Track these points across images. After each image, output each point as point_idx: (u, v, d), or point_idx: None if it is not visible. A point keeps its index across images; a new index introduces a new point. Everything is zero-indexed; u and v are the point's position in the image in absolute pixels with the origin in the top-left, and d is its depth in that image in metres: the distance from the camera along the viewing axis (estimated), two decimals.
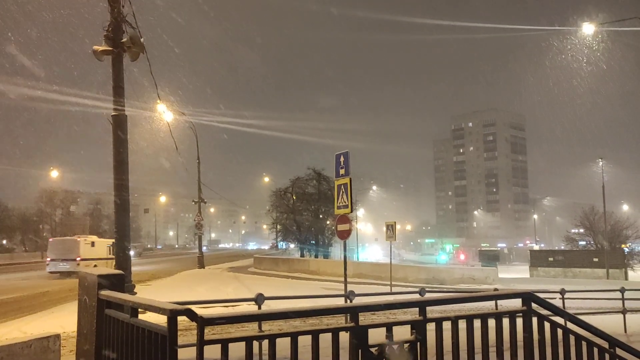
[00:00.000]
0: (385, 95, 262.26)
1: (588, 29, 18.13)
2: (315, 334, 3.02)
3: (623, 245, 45.99)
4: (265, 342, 2.96)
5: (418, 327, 3.43)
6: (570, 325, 4.38)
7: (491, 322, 3.78)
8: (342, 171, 10.44)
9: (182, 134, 29.16)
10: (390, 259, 21.63)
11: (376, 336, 3.31)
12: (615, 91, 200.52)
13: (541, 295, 4.27)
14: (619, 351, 4.68)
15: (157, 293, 15.93)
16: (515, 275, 40.04)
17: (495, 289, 10.31)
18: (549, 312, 4.23)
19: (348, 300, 7.44)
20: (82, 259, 25.79)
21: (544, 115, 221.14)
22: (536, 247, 75.02)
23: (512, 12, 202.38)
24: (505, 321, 3.85)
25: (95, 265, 24.64)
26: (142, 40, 11.25)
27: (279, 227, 46.51)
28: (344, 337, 3.17)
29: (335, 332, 3.14)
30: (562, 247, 56.49)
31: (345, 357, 3.15)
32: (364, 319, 3.28)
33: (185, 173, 29.64)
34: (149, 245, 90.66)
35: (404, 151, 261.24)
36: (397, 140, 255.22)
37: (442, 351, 3.49)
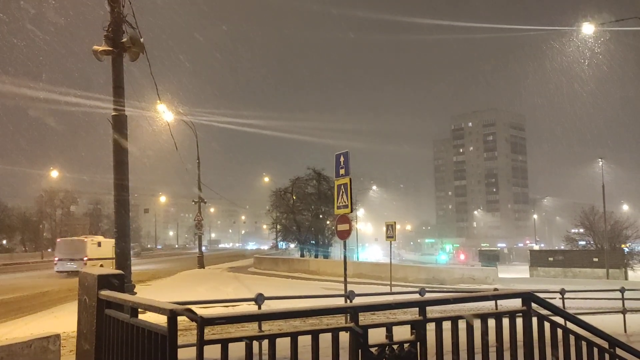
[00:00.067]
0: (385, 95, 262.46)
1: (588, 28, 18.13)
2: (315, 334, 3.02)
3: (623, 245, 46.01)
4: (265, 342, 2.96)
5: (418, 327, 3.43)
6: (570, 325, 4.38)
7: (491, 322, 3.78)
8: (342, 171, 10.44)
9: (182, 134, 29.18)
10: (390, 259, 21.63)
11: (376, 336, 3.31)
12: (615, 91, 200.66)
13: (541, 295, 4.27)
14: (619, 351, 4.68)
15: (157, 293, 15.94)
16: (515, 275, 40.06)
17: (495, 289, 10.31)
18: (549, 312, 4.23)
19: (348, 300, 7.44)
20: (89, 259, 26.26)
21: (544, 115, 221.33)
22: (536, 247, 75.07)
23: (512, 12, 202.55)
24: (505, 321, 3.85)
25: (101, 265, 24.86)
26: (142, 40, 11.25)
27: (279, 227, 46.55)
28: (344, 337, 3.17)
29: (335, 332, 3.14)
30: (562, 247, 56.51)
31: (345, 357, 3.15)
32: (364, 319, 3.28)
33: (185, 173, 29.65)
34: (149, 246, 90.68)
35: (404, 151, 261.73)
36: (397, 140, 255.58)
37: (442, 351, 3.49)
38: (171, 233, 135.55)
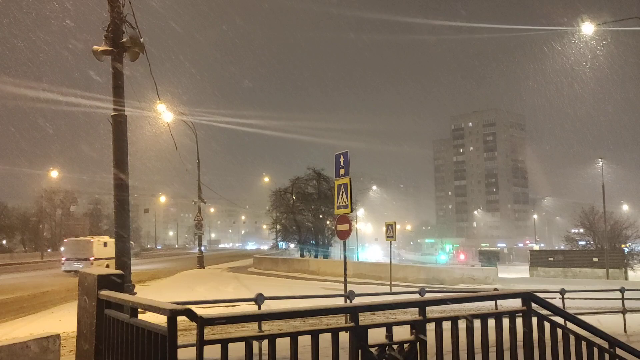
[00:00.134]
0: (385, 95, 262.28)
1: (588, 28, 18.14)
2: (315, 334, 3.02)
3: (623, 245, 46.02)
4: (265, 342, 2.97)
5: (418, 327, 3.42)
6: (570, 325, 4.38)
7: (491, 322, 3.78)
8: (342, 171, 10.44)
9: (182, 134, 29.20)
10: (390, 259, 21.64)
11: (376, 336, 3.31)
12: (616, 92, 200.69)
13: (541, 295, 4.27)
14: (618, 351, 4.68)
15: (157, 293, 15.93)
16: (515, 275, 40.07)
17: (495, 289, 10.32)
18: (548, 312, 4.23)
19: (348, 300, 7.44)
20: (95, 259, 26.60)
21: (544, 115, 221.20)
22: (536, 247, 75.02)
23: (512, 13, 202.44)
24: (505, 321, 3.85)
25: (107, 265, 25.14)
26: (141, 40, 11.24)
27: (279, 227, 46.54)
28: (344, 337, 3.17)
29: (335, 332, 3.14)
30: (562, 247, 56.52)
31: (345, 357, 3.15)
32: (364, 319, 3.28)
33: (185, 173, 29.68)
34: (148, 246, 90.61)
35: (404, 151, 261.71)
36: (397, 140, 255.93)
37: (442, 351, 3.49)
38: (171, 233, 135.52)
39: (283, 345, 2.95)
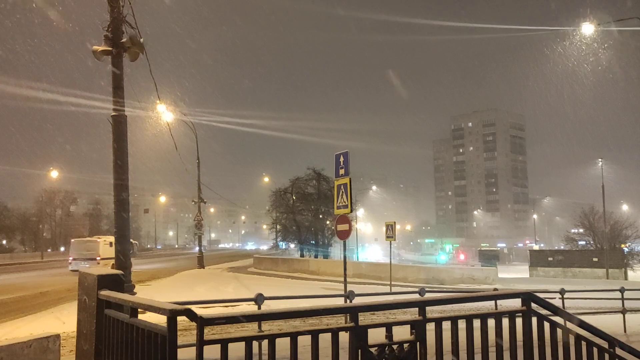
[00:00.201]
0: (385, 95, 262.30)
1: (587, 28, 18.14)
2: (315, 334, 3.02)
3: (623, 245, 46.02)
4: (265, 342, 2.97)
5: (418, 327, 3.43)
6: (569, 325, 4.38)
7: (491, 322, 3.78)
8: (341, 171, 10.44)
9: (182, 134, 29.20)
10: (390, 259, 21.64)
11: (376, 336, 3.31)
12: (616, 92, 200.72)
13: (541, 295, 4.27)
14: (618, 351, 4.68)
15: (156, 293, 15.92)
16: (515, 275, 40.07)
17: (495, 289, 10.32)
18: (548, 312, 4.23)
19: (348, 300, 7.44)
20: (101, 258, 26.82)
21: (544, 115, 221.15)
22: (536, 247, 74.98)
23: (512, 13, 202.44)
24: (505, 321, 3.85)
25: (113, 265, 25.45)
26: (141, 40, 11.25)
27: (278, 227, 46.55)
28: (344, 337, 3.17)
29: (335, 332, 3.14)
30: (562, 247, 56.51)
31: (345, 357, 3.15)
32: (364, 319, 3.28)
33: (185, 173, 29.70)
34: (148, 246, 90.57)
35: (404, 151, 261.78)
36: (397, 140, 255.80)
37: (442, 351, 3.49)
38: (171, 233, 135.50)
39: (283, 345, 2.95)
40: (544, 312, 4.14)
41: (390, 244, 20.12)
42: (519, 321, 3.90)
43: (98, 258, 27.03)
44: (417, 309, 3.54)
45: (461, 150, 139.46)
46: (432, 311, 4.20)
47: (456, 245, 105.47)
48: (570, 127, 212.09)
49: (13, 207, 61.65)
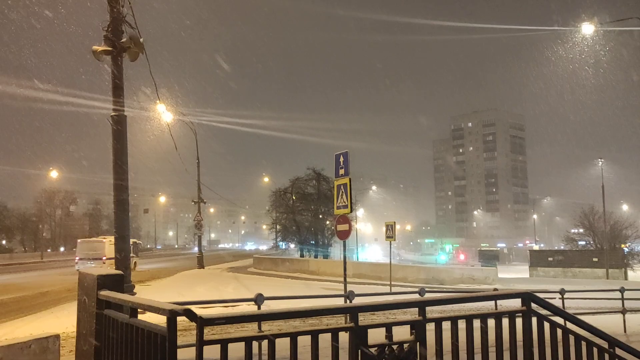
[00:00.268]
0: (385, 95, 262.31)
1: (587, 29, 18.14)
2: (314, 334, 3.02)
3: (623, 245, 46.02)
4: (265, 343, 2.96)
5: (417, 327, 3.42)
6: (569, 325, 4.38)
7: (491, 322, 3.78)
8: (341, 171, 10.44)
9: (181, 134, 29.21)
10: (390, 259, 21.64)
11: (376, 336, 3.31)
12: (615, 92, 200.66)
13: (541, 295, 4.27)
14: (618, 351, 4.68)
15: (156, 293, 15.93)
16: (515, 275, 40.07)
17: (495, 289, 10.31)
18: (548, 312, 4.23)
19: (348, 301, 7.44)
20: (107, 258, 27.10)
21: (544, 115, 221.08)
22: (536, 247, 75.03)
23: (512, 13, 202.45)
24: (505, 321, 3.85)
25: None
26: (141, 40, 11.24)
27: (278, 227, 46.55)
28: (344, 337, 3.17)
29: (334, 332, 3.14)
30: (562, 247, 56.51)
31: (345, 357, 3.15)
32: (364, 319, 3.28)
33: (184, 173, 29.70)
34: (148, 246, 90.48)
35: (404, 151, 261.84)
36: (397, 140, 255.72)
37: (442, 351, 3.49)
38: (171, 233, 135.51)
39: (283, 345, 2.94)
40: (543, 312, 4.14)
41: (390, 244, 20.12)
42: (518, 321, 3.90)
43: (104, 258, 27.36)
44: (417, 309, 3.53)
45: (461, 150, 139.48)
46: (432, 311, 4.19)
47: (456, 245, 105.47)
48: (570, 127, 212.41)
49: (13, 207, 61.73)
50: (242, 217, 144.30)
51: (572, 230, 54.57)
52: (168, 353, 2.70)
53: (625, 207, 76.96)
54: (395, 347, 3.33)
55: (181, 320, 2.69)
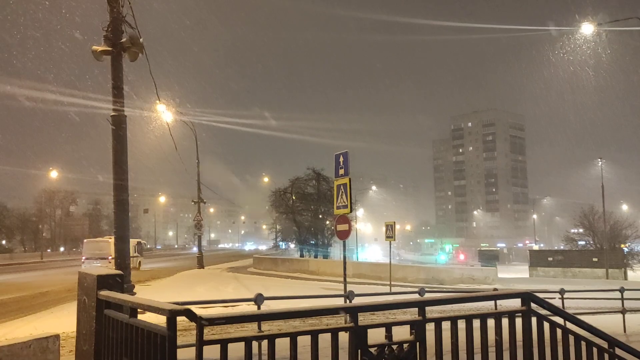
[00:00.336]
0: (385, 95, 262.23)
1: (587, 29, 18.15)
2: (314, 334, 3.02)
3: (622, 245, 46.03)
4: (265, 342, 2.96)
5: (417, 327, 3.43)
6: (569, 325, 4.38)
7: (490, 322, 3.78)
8: (341, 171, 10.44)
9: (182, 134, 29.21)
10: (390, 259, 21.64)
11: (375, 336, 3.31)
12: (615, 92, 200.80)
13: (541, 295, 4.27)
14: (618, 351, 4.68)
15: (156, 293, 15.92)
16: (514, 275, 40.07)
17: (495, 289, 10.32)
18: (548, 312, 4.23)
19: (347, 301, 7.44)
20: (112, 257, 27.28)
21: (543, 115, 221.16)
22: (536, 247, 75.03)
23: (512, 13, 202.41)
24: (505, 321, 3.85)
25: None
26: (141, 40, 11.24)
27: (278, 227, 46.56)
28: (344, 337, 3.17)
29: (334, 332, 3.14)
30: (562, 247, 56.52)
31: (345, 357, 3.15)
32: (364, 319, 3.28)
33: (184, 173, 29.73)
34: (148, 246, 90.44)
35: (404, 151, 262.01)
36: (397, 140, 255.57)
37: (442, 351, 3.49)
38: (170, 233, 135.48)
39: (283, 345, 2.94)
40: (543, 312, 4.14)
41: (390, 244, 20.12)
42: (518, 321, 3.90)
43: (109, 257, 27.55)
44: (416, 309, 3.53)
45: (461, 150, 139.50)
46: (432, 311, 4.19)
47: (456, 245, 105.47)
48: (570, 128, 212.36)
49: (13, 207, 61.77)
50: (242, 217, 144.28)
51: (572, 230, 54.61)
52: (168, 353, 2.70)
53: (625, 207, 76.96)
54: (395, 347, 3.33)
55: (181, 320, 2.69)
